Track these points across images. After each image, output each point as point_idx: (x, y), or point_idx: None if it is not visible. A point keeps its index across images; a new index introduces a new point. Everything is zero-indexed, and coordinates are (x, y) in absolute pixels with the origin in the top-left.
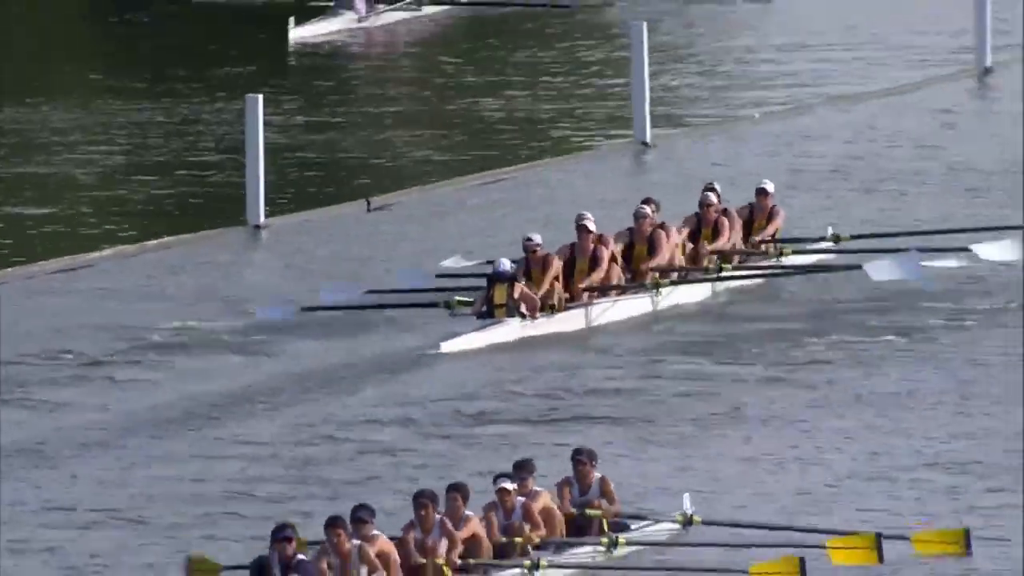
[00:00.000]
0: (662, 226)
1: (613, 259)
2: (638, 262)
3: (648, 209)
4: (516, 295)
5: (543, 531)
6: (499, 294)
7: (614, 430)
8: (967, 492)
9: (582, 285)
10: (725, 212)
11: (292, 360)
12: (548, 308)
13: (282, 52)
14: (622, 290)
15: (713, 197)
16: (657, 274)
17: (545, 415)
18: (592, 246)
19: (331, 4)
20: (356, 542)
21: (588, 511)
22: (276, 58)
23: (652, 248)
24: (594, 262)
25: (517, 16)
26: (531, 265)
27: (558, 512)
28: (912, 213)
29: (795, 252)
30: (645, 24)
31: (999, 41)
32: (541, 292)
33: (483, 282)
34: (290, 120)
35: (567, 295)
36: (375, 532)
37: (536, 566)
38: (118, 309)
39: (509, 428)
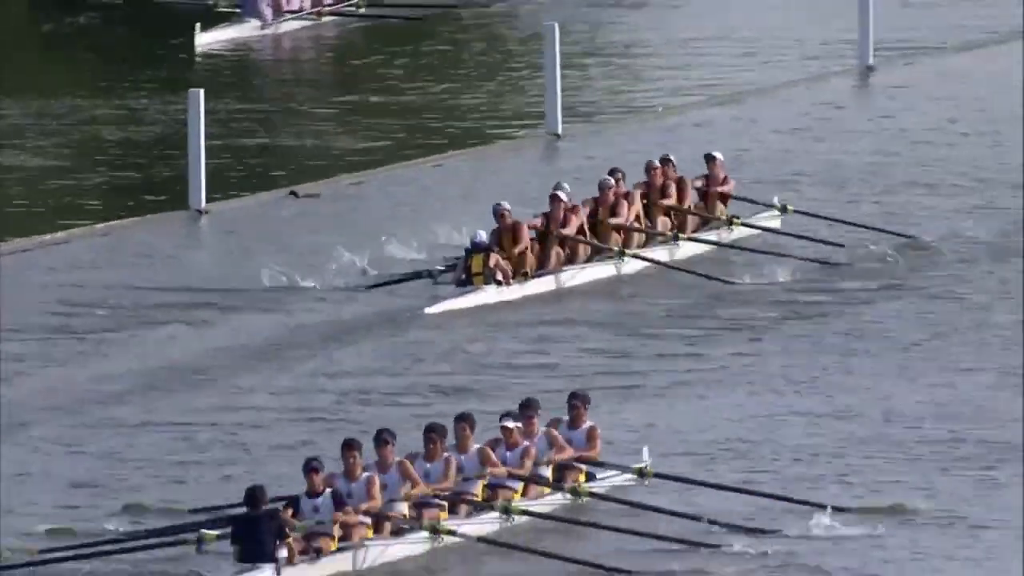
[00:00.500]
0: (626, 195)
1: (582, 227)
2: (603, 228)
3: (612, 180)
4: (491, 264)
5: (542, 468)
6: (476, 263)
7: (585, 383)
8: (906, 468)
9: (561, 231)
10: (627, 195)
11: (290, 322)
12: (521, 275)
13: (190, 55)
14: (588, 257)
15: (615, 177)
16: (621, 239)
17: (518, 371)
18: (563, 214)
19: (238, 11)
20: (365, 474)
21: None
22: (185, 62)
23: (615, 216)
24: (565, 226)
25: (418, 26)
26: (502, 231)
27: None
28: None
29: (744, 224)
30: (557, 25)
31: (880, 40)
32: (514, 254)
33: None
34: (218, 115)
35: (539, 259)
36: (396, 456)
37: (506, 509)
38: (71, 285)
39: (492, 378)
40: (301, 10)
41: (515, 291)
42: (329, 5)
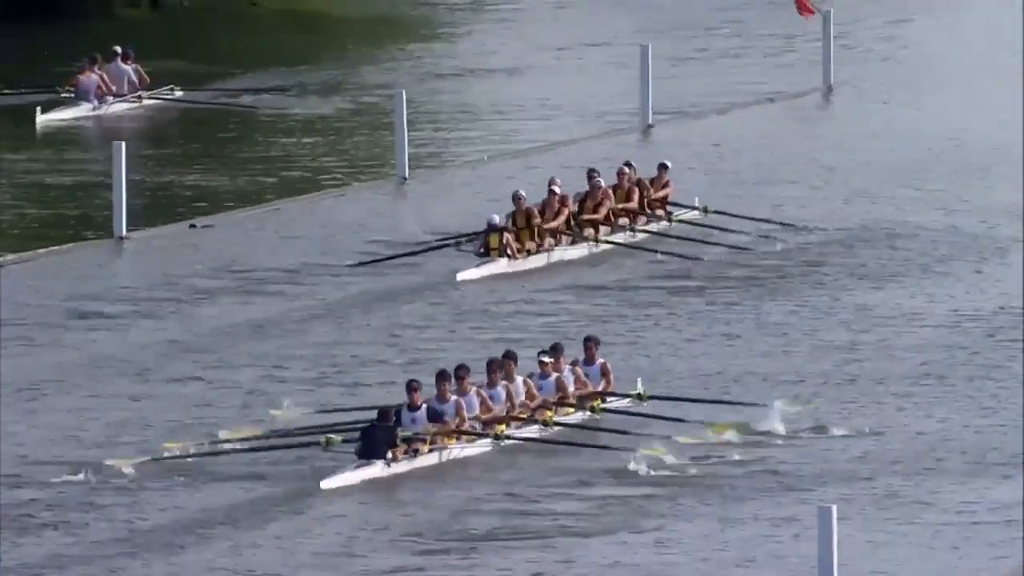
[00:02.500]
0: (605, 193)
1: (569, 215)
2: (588, 215)
3: (600, 179)
4: (504, 241)
5: (569, 398)
6: (493, 240)
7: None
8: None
9: (546, 226)
10: (606, 192)
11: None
12: (525, 252)
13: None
14: (572, 239)
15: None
16: (597, 230)
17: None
18: (557, 205)
19: (72, 96)
20: (453, 397)
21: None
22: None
23: (597, 207)
24: (557, 215)
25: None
26: (517, 214)
27: (564, 385)
28: None
29: (679, 220)
30: (404, 91)
31: (658, 104)
32: (527, 235)
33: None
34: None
35: (539, 240)
36: (471, 385)
37: (547, 423)
38: (12, 299)
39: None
40: (123, 95)
41: (521, 263)
42: (148, 90)
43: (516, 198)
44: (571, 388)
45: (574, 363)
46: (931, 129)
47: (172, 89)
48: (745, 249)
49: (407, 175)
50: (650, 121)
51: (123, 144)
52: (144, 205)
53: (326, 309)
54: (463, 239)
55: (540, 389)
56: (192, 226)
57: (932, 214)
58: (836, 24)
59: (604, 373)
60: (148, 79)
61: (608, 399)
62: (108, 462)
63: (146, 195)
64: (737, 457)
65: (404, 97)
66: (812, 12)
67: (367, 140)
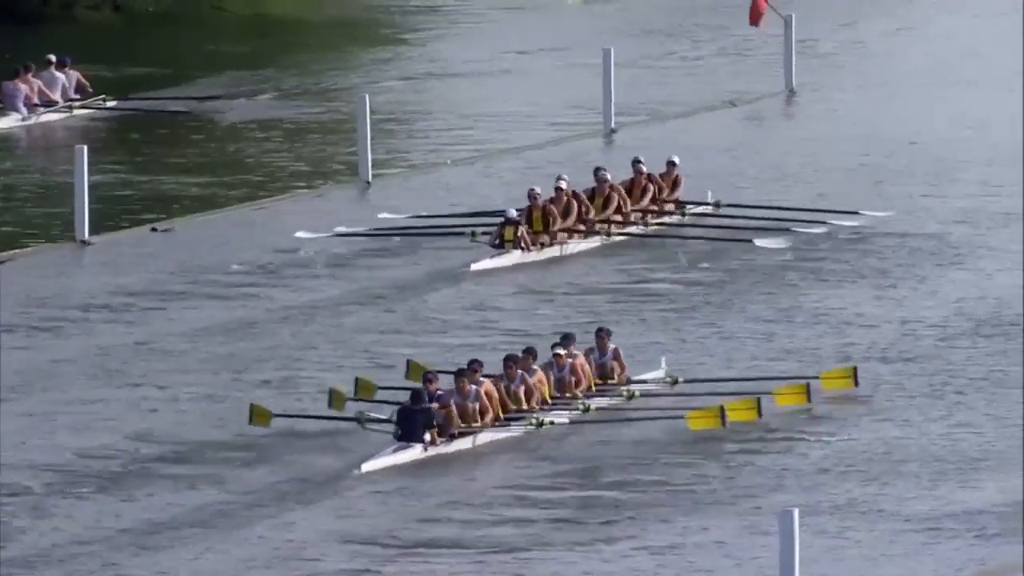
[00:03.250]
0: (613, 187)
1: (580, 211)
2: (597, 211)
3: (607, 174)
4: (518, 234)
5: (584, 384)
6: (508, 232)
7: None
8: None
9: (559, 227)
10: (612, 187)
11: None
12: (539, 244)
13: None
14: (585, 233)
15: (601, 175)
16: (608, 224)
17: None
18: (565, 199)
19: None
20: (473, 387)
21: (608, 377)
22: None
23: (606, 203)
24: (567, 211)
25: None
26: (533, 209)
27: (588, 369)
28: None
29: (691, 214)
30: (367, 95)
31: (620, 107)
32: (539, 228)
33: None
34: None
35: (551, 235)
36: (482, 378)
37: (587, 409)
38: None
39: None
40: (55, 104)
41: (535, 255)
42: (78, 100)
43: (532, 196)
44: (583, 373)
45: (587, 352)
46: (892, 131)
47: (104, 99)
48: (748, 241)
49: (370, 179)
50: (613, 125)
51: (84, 148)
52: (100, 210)
53: (288, 310)
54: (477, 230)
55: (558, 382)
56: (153, 230)
57: (892, 217)
58: (798, 28)
59: (616, 359)
60: (89, 86)
61: (640, 388)
62: None
63: (102, 200)
64: (700, 460)
65: (367, 101)
66: (761, 16)
67: (330, 144)
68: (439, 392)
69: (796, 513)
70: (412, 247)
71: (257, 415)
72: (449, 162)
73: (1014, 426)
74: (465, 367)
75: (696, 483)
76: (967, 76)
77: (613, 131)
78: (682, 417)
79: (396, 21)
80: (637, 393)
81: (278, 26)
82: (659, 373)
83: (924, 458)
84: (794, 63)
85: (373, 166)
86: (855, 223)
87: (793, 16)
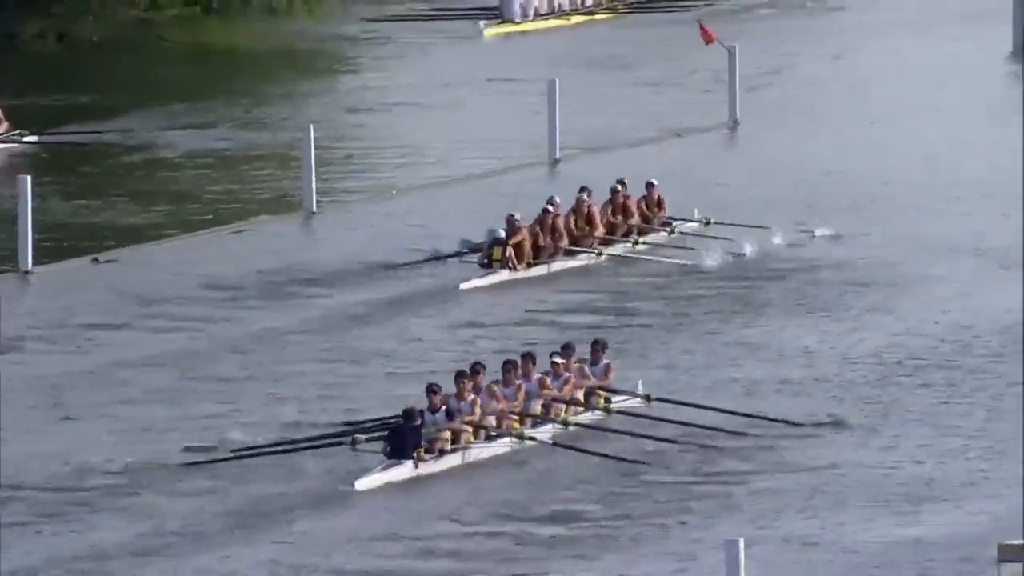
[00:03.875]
0: (592, 207)
1: (566, 229)
2: (580, 231)
3: (586, 196)
4: (506, 254)
5: (578, 392)
6: (496, 252)
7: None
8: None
9: (556, 243)
10: (592, 207)
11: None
12: (525, 263)
13: None
14: (572, 252)
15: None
16: (597, 243)
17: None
18: (552, 221)
19: None
20: (471, 395)
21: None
22: None
23: (589, 222)
24: (555, 231)
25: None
26: (515, 234)
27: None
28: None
29: (680, 232)
30: (312, 125)
31: (564, 138)
32: (523, 251)
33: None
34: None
35: (535, 254)
36: (481, 382)
37: (567, 424)
38: None
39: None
40: None
41: (523, 273)
42: (10, 130)
43: (510, 222)
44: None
45: (580, 362)
46: (833, 162)
47: (21, 134)
48: (741, 254)
49: (315, 209)
50: (557, 155)
51: (29, 179)
52: (43, 240)
53: (233, 340)
54: (466, 251)
55: (552, 388)
56: (95, 260)
57: (832, 247)
58: (742, 59)
59: (607, 373)
60: (5, 120)
61: (617, 398)
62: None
63: (46, 230)
64: (645, 490)
65: (312, 131)
66: (712, 40)
67: (275, 174)
68: (445, 406)
69: (741, 543)
70: (401, 270)
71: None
72: (394, 192)
73: (962, 457)
74: (467, 370)
75: (648, 511)
76: (904, 105)
77: (557, 161)
78: (664, 439)
79: (340, 51)
80: (614, 409)
81: (221, 56)
82: (637, 391)
83: (870, 489)
84: (738, 94)
85: (318, 196)
86: (831, 231)
87: (737, 48)
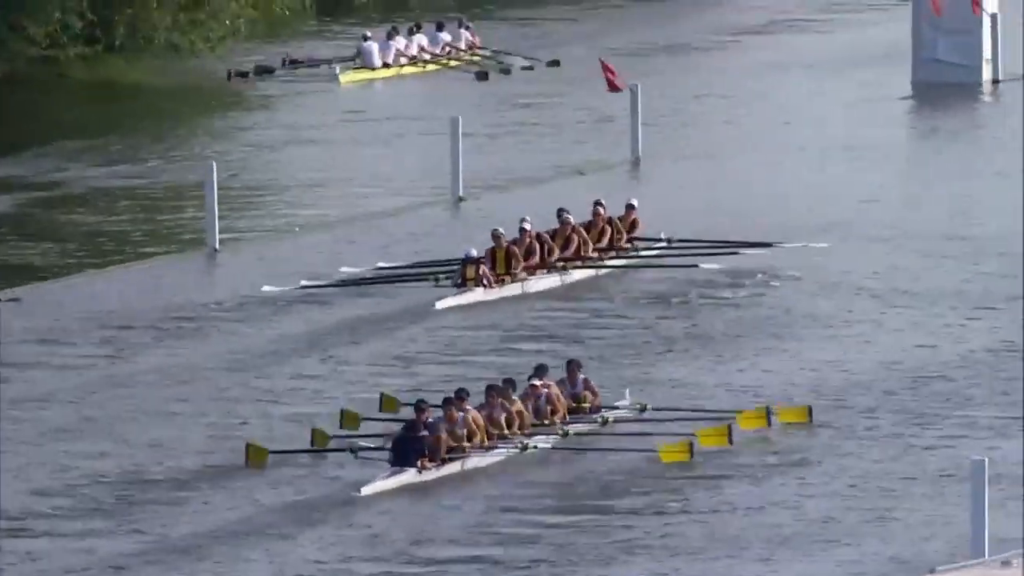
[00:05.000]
0: (574, 229)
1: (543, 251)
2: (558, 251)
3: (569, 216)
4: (480, 272)
5: (560, 412)
6: (470, 271)
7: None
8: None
9: (523, 265)
10: (574, 228)
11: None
12: (500, 281)
13: None
14: (547, 270)
15: (567, 216)
16: (566, 263)
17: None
18: (528, 240)
19: None
20: (460, 414)
21: (581, 403)
22: None
23: (566, 244)
24: (530, 251)
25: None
26: (496, 251)
27: (562, 399)
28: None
29: (647, 249)
30: (214, 162)
31: (468, 175)
32: (501, 270)
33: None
34: None
35: (511, 273)
36: (468, 407)
37: (567, 434)
38: None
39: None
40: None
41: (496, 292)
42: None
43: (495, 237)
44: (559, 403)
45: (559, 382)
46: (735, 199)
47: None
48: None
49: (218, 246)
50: (461, 193)
51: None
52: None
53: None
54: (440, 275)
55: (536, 410)
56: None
57: (733, 286)
58: (644, 98)
59: (588, 389)
60: None
61: (612, 411)
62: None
63: None
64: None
65: (214, 168)
66: (620, 88)
67: (177, 210)
68: (429, 420)
69: None
70: (377, 291)
71: (253, 455)
72: (297, 228)
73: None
74: (453, 396)
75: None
76: (811, 142)
77: (461, 199)
78: (654, 449)
79: (245, 87)
80: (611, 419)
81: (125, 94)
82: (626, 402)
83: (762, 530)
84: (640, 132)
85: (220, 233)
86: (800, 244)
87: (639, 86)
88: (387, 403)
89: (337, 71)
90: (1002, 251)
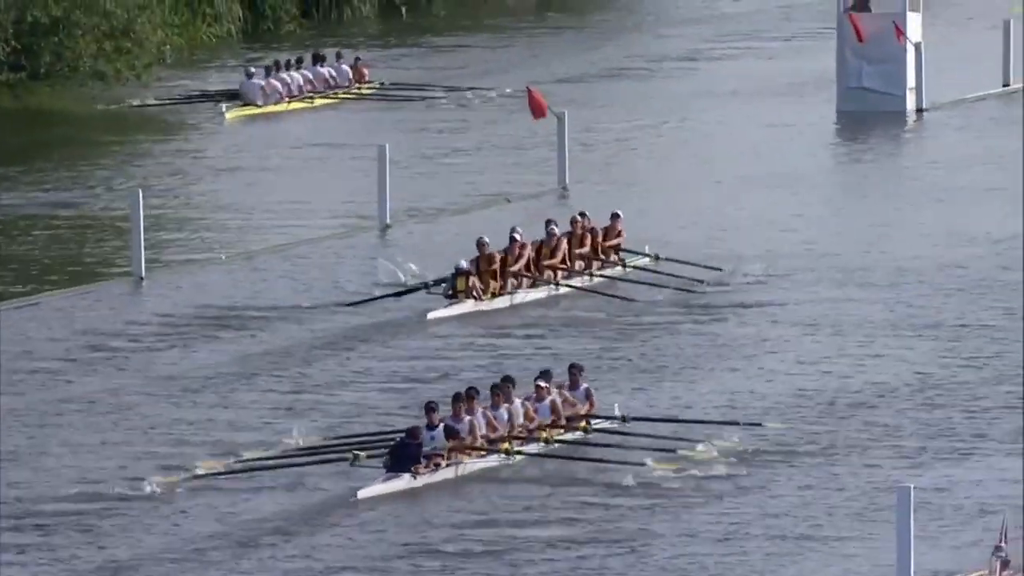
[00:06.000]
0: (560, 240)
1: (529, 259)
2: (546, 260)
3: (555, 227)
4: (470, 284)
5: (562, 420)
6: (460, 283)
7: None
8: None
9: (510, 268)
10: (560, 239)
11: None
12: (490, 293)
13: None
14: (532, 283)
15: (554, 227)
16: (556, 273)
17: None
18: (518, 250)
19: None
20: (468, 417)
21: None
22: None
23: (553, 254)
24: (519, 260)
25: None
26: (481, 259)
27: (560, 409)
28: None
29: (632, 265)
30: (140, 190)
31: (395, 203)
32: (490, 279)
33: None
34: None
35: (502, 283)
36: (478, 405)
37: (549, 442)
38: None
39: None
40: None
41: (487, 304)
42: None
43: (480, 244)
44: (561, 410)
45: (560, 387)
46: (662, 226)
47: None
48: (691, 291)
49: (144, 274)
50: (388, 221)
51: None
52: None
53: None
54: (431, 284)
55: (536, 411)
56: None
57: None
58: (571, 126)
59: (588, 397)
60: None
61: (594, 421)
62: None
63: None
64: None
65: (140, 196)
66: (544, 114)
67: (103, 239)
68: (443, 422)
69: None
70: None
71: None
72: (223, 257)
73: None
74: (462, 392)
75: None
76: (736, 171)
77: (388, 227)
78: (642, 464)
79: (173, 114)
80: (592, 428)
81: (50, 121)
82: (614, 413)
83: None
84: (567, 160)
85: (146, 261)
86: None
87: (566, 113)
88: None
89: (223, 109)
90: (922, 279)
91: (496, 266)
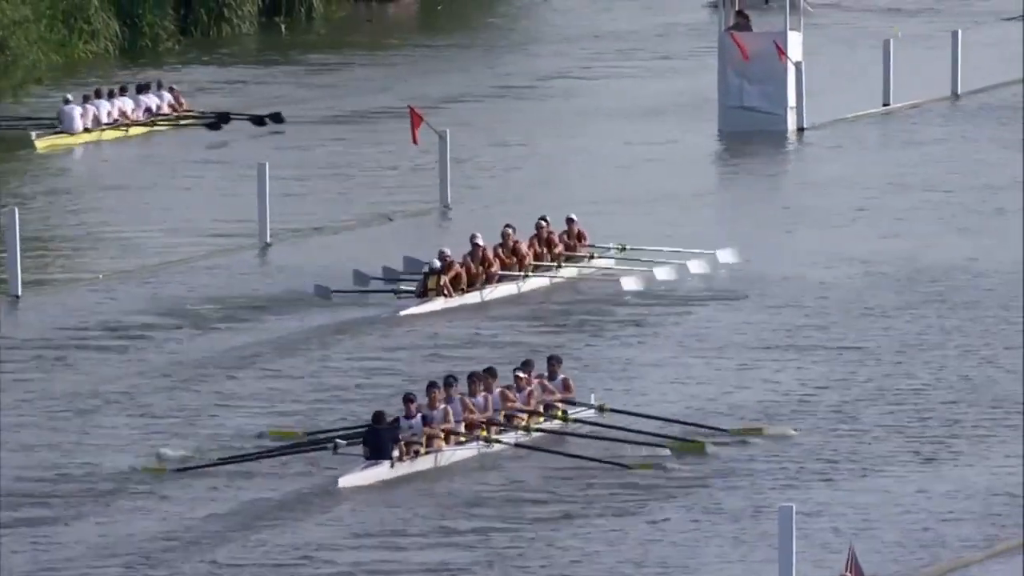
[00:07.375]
0: (518, 242)
1: (497, 259)
2: (507, 261)
3: (510, 231)
4: (441, 283)
5: (540, 407)
6: (432, 282)
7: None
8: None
9: (492, 269)
10: (518, 242)
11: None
12: (459, 291)
13: None
14: (500, 279)
15: (509, 231)
16: (522, 272)
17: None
18: (482, 253)
19: None
20: (442, 405)
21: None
22: None
23: (516, 253)
24: (485, 261)
25: None
26: (444, 266)
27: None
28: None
29: (599, 257)
30: (16, 208)
31: (276, 221)
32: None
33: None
34: None
35: (485, 276)
36: (455, 393)
37: (528, 430)
38: None
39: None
40: None
41: (457, 300)
42: None
43: (442, 257)
44: (541, 397)
45: (539, 377)
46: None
47: None
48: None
49: (20, 293)
50: (268, 239)
51: None
52: None
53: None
54: (402, 284)
55: (516, 399)
56: None
57: (560, 335)
58: (453, 145)
59: (566, 387)
60: None
61: (573, 410)
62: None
63: None
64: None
65: (16, 215)
66: (415, 140)
67: None
68: (421, 413)
69: None
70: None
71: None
72: (101, 276)
73: None
74: (438, 381)
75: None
76: (617, 190)
77: (268, 245)
78: (622, 459)
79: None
80: (571, 417)
81: None
82: (592, 402)
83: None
84: (449, 178)
85: (23, 281)
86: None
87: (448, 132)
88: (272, 435)
89: (33, 136)
90: (800, 299)
91: (462, 277)
